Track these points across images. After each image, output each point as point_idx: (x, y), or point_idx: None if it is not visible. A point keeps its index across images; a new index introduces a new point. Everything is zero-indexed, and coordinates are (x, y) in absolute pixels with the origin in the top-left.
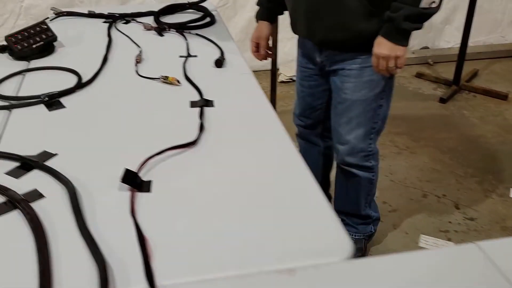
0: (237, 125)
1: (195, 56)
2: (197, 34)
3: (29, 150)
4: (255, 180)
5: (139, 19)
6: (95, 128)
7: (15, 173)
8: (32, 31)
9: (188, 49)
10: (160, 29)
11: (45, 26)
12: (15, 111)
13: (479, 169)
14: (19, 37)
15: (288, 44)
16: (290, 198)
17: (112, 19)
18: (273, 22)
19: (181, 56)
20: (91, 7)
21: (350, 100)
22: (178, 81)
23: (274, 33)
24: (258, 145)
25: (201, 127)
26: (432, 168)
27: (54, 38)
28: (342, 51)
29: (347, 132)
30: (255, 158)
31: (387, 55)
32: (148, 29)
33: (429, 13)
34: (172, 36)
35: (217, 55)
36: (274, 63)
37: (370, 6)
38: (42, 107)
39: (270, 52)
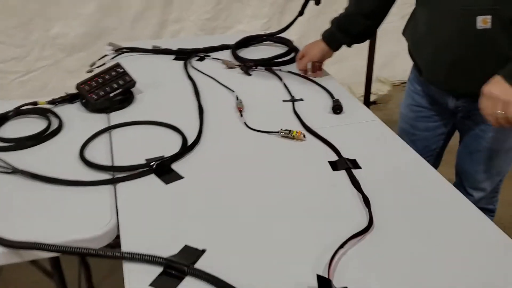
0: (400, 191)
1: (301, 99)
2: (289, 72)
3: (162, 244)
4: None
5: (213, 55)
6: (232, 207)
7: (163, 284)
8: (107, 77)
9: (289, 92)
10: (247, 67)
11: (122, 70)
12: (122, 185)
13: None
14: (93, 84)
15: (332, 68)
16: None
17: (184, 55)
18: (334, 50)
19: (285, 101)
20: (126, 35)
21: (494, 150)
22: (304, 136)
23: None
24: (439, 216)
25: (367, 202)
26: None
27: (132, 83)
28: None
29: (485, 179)
30: (446, 237)
31: (496, 96)
32: (230, 67)
33: None
34: (260, 75)
35: (323, 97)
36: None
37: None
38: (153, 178)
39: (314, 72)
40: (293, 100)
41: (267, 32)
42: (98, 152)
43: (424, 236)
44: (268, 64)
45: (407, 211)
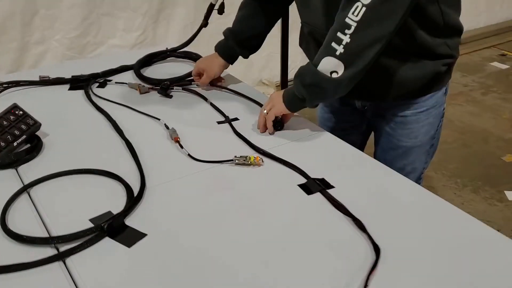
0: (383, 206)
1: (236, 119)
2: (213, 86)
3: None
4: None
5: (114, 79)
6: (217, 259)
7: None
8: (5, 123)
9: (221, 112)
10: (165, 88)
11: (21, 112)
12: (73, 260)
13: (464, 176)
14: None
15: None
16: None
17: (80, 83)
18: (232, 63)
19: (219, 122)
20: None
21: (405, 147)
22: (262, 160)
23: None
24: (432, 226)
25: (360, 226)
26: (426, 185)
27: (37, 126)
28: (390, 99)
29: None
30: (451, 249)
31: (271, 95)
32: (145, 92)
33: (322, 86)
34: (180, 96)
35: (257, 112)
36: None
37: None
38: (109, 242)
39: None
40: (228, 120)
41: (142, 44)
42: (22, 221)
43: (430, 251)
44: (186, 83)
45: (401, 228)
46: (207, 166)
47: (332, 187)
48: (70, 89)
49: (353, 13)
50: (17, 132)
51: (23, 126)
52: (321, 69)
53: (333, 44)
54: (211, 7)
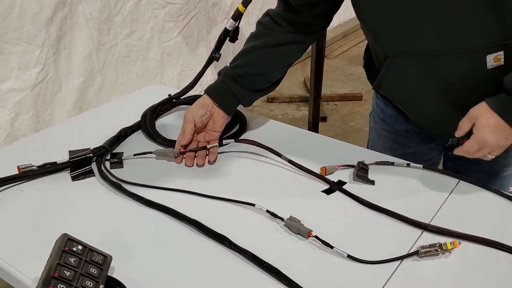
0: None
1: (342, 182)
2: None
3: None
4: None
5: (125, 151)
6: None
7: None
8: (68, 273)
9: (317, 175)
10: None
11: (80, 246)
12: None
13: None
14: None
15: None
16: None
17: (85, 166)
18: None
19: (327, 192)
20: None
21: (503, 177)
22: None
23: None
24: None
25: None
26: None
27: (109, 261)
28: None
29: None
30: None
31: (492, 142)
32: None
33: None
34: (235, 152)
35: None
36: None
37: None
38: None
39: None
40: (337, 186)
41: None
42: None
43: None
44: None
45: None
46: (382, 270)
47: None
48: (74, 177)
49: None
50: (89, 284)
51: (93, 270)
52: None
53: None
54: (225, 34)
